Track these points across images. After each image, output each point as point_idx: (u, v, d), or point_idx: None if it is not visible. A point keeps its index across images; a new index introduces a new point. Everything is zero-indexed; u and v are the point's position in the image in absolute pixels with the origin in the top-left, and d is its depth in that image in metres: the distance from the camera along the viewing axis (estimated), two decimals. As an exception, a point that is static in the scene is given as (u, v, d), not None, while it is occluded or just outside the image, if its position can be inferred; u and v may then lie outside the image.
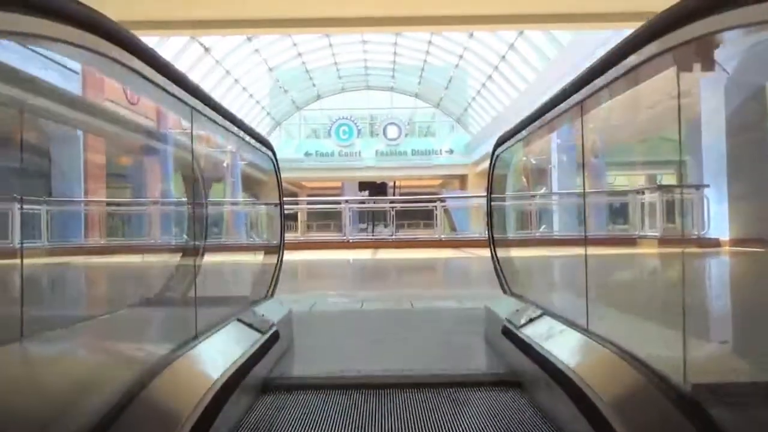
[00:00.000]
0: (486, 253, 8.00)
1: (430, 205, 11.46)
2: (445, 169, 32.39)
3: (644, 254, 8.40)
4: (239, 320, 2.04)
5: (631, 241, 9.22)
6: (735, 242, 8.19)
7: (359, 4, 8.21)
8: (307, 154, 32.02)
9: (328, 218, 43.14)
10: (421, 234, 11.88)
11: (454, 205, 18.40)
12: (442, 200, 11.83)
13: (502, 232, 2.62)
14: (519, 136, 2.17)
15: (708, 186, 8.60)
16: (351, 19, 8.62)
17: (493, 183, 2.41)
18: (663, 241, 8.48)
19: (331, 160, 31.97)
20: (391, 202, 13.81)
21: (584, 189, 2.38)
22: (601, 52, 1.52)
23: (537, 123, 2.07)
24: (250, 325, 2.05)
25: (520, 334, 1.96)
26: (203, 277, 2.40)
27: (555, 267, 5.98)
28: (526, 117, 2.08)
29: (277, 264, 2.83)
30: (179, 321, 1.87)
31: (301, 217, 11.00)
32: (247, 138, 2.33)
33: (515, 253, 2.87)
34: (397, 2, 8.15)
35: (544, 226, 10.87)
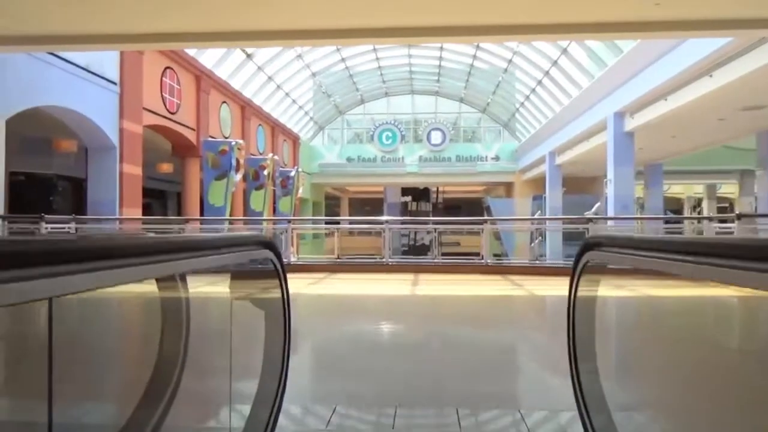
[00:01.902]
0: (538, 289, 7.16)
1: (476, 227, 10.64)
2: (490, 176, 31.42)
3: None
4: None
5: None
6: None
7: (405, 12, 7.57)
8: (349, 159, 31.61)
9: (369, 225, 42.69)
10: (465, 257, 11.04)
11: (504, 228, 17.54)
12: (490, 222, 10.98)
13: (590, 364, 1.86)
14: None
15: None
16: (396, 29, 8.02)
17: (576, 304, 1.70)
18: None
19: (374, 166, 31.45)
20: (435, 223, 13.02)
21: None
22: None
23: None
24: None
25: None
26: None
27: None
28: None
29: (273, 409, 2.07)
30: None
31: (338, 240, 10.37)
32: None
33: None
34: (443, 9, 7.50)
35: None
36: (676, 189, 35.61)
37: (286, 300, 1.92)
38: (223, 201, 16.08)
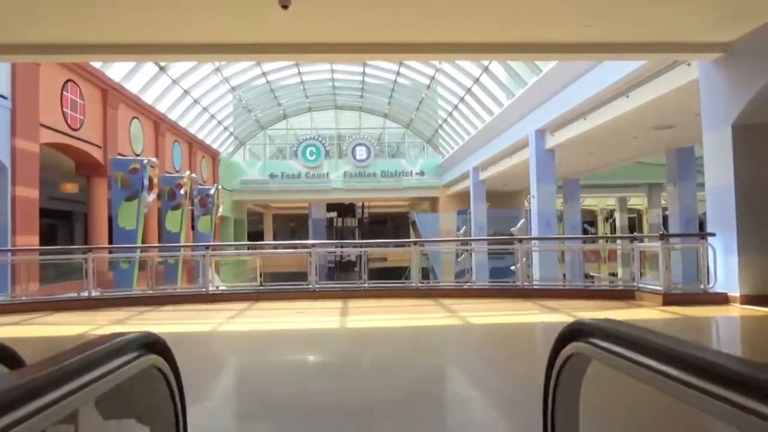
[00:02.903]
0: (472, 317, 6.89)
1: (403, 250, 10.32)
2: (415, 191, 31.55)
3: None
4: None
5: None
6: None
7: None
8: (272, 175, 30.74)
9: (295, 237, 41.83)
10: (394, 280, 10.72)
11: (432, 250, 17.42)
12: (419, 244, 10.74)
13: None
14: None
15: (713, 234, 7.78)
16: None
17: (556, 395, 1.33)
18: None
19: (298, 182, 30.77)
20: (363, 246, 12.64)
21: None
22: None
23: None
24: None
25: None
26: None
27: None
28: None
29: None
30: None
31: (260, 266, 9.76)
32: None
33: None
34: (375, 28, 7.18)
35: None
36: (590, 201, 37.25)
37: (181, 426, 1.40)
38: (135, 223, 14.95)
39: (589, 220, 39.89)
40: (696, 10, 6.75)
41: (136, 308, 8.47)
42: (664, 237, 8.05)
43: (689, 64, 8.81)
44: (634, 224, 41.82)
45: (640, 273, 8.64)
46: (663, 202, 29.98)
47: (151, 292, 9.55)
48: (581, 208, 26.84)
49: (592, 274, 24.93)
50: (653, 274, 9.51)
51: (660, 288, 7.90)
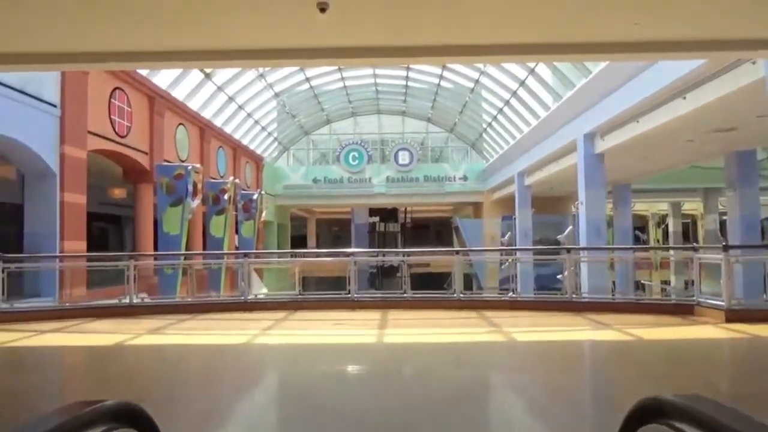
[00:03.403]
0: (518, 333, 6.52)
1: (447, 258, 10.02)
2: (458, 196, 31.10)
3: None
4: None
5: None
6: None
7: (369, 33, 6.98)
8: (315, 180, 30.87)
9: (338, 242, 41.92)
10: (436, 290, 10.44)
11: (478, 260, 17.00)
12: (462, 253, 10.42)
13: None
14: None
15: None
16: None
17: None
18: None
19: (341, 187, 30.79)
20: (405, 254, 12.38)
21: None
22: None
23: None
24: None
25: None
26: None
27: None
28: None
29: None
30: None
31: (299, 275, 9.63)
32: None
33: None
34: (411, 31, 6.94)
35: None
36: (640, 206, 35.93)
37: None
38: (179, 229, 15.16)
39: (640, 225, 38.41)
40: (757, 3, 6.20)
41: (175, 316, 8.46)
42: (727, 248, 7.47)
43: (754, 62, 8.21)
44: (689, 230, 40.09)
45: (700, 286, 8.06)
46: (720, 207, 28.62)
47: (190, 299, 9.56)
48: (632, 214, 25.86)
49: (643, 282, 23.89)
50: (710, 286, 8.88)
51: (722, 303, 7.33)
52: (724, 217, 33.19)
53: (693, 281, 7.93)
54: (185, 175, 15.21)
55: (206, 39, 7.33)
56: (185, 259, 13.39)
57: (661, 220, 39.98)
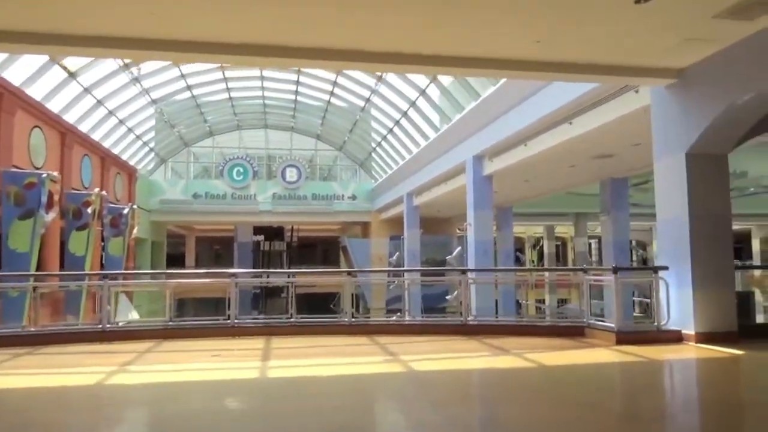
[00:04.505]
0: (415, 362, 5.98)
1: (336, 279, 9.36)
2: (346, 216, 30.67)
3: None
4: None
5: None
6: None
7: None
8: (195, 195, 28.99)
9: (219, 261, 39.64)
10: (325, 314, 9.75)
11: (365, 280, 16.50)
12: (352, 275, 9.85)
13: None
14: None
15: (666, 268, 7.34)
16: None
17: None
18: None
19: (224, 203, 29.15)
20: (291, 275, 11.55)
21: None
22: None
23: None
24: None
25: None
26: None
27: None
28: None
29: None
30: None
31: (170, 298, 8.49)
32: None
33: None
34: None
35: None
36: (518, 229, 37.74)
37: None
38: (29, 245, 13.15)
39: (519, 247, 40.36)
40: (649, 33, 6.34)
41: (11, 350, 6.99)
42: (616, 270, 7.54)
43: (637, 91, 8.50)
44: (560, 252, 42.87)
45: (589, 308, 8.08)
46: (588, 230, 30.78)
47: (33, 329, 8.03)
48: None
49: (521, 301, 24.78)
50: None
51: (613, 326, 7.34)
52: (591, 240, 35.83)
53: (565, 300, 8.01)
54: (38, 184, 13.28)
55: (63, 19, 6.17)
56: (35, 280, 11.52)
57: (536, 242, 42.39)
